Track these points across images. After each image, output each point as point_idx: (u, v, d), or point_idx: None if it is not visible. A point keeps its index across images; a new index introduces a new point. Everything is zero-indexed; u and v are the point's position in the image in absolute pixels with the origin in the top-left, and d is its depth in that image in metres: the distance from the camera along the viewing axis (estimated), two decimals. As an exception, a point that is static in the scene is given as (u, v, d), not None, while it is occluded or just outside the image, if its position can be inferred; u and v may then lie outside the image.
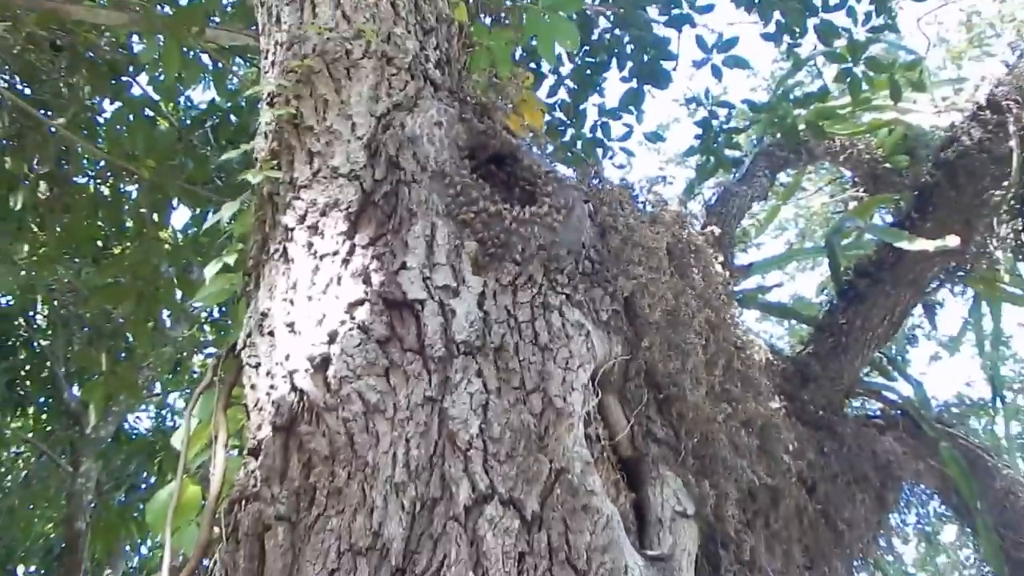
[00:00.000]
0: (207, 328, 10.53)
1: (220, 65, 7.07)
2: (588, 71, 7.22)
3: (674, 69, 7.01)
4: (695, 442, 2.81)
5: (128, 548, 10.91)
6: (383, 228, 2.49)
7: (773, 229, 12.68)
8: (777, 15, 6.64)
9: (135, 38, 7.29)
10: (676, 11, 6.87)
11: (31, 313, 9.48)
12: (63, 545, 10.00)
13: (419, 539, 1.89)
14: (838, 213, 8.22)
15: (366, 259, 2.39)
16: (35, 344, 9.68)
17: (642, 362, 2.76)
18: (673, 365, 2.84)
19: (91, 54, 6.71)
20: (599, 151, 7.32)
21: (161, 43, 5.65)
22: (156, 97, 7.48)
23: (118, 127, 6.82)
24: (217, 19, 6.82)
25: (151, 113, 7.30)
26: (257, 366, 2.41)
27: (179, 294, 7.18)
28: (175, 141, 7.05)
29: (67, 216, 7.11)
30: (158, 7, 5.96)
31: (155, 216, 6.96)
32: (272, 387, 2.28)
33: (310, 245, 2.49)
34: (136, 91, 7.24)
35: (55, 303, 8.74)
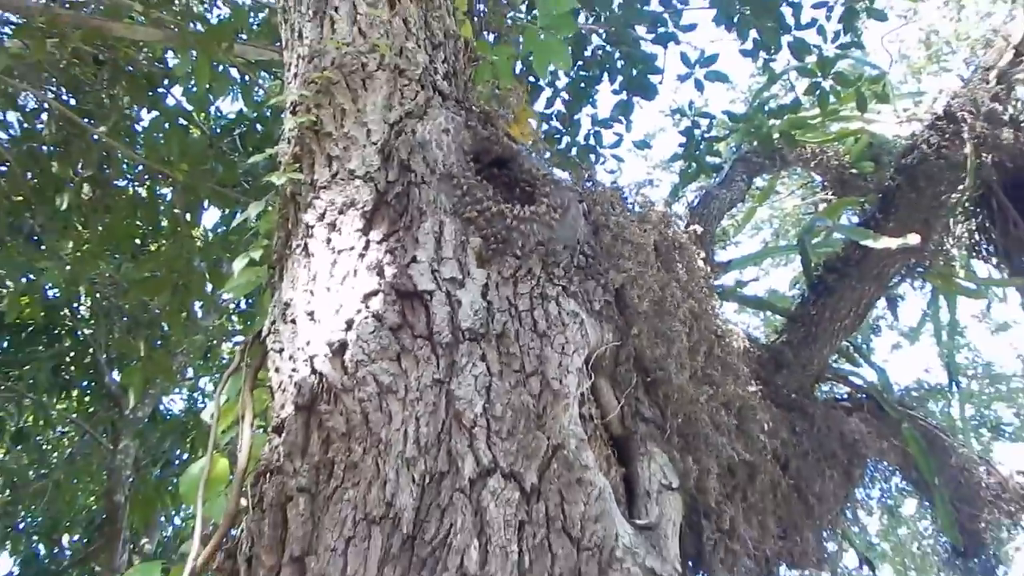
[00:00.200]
0: (235, 318, 10.52)
1: (247, 78, 7.06)
2: (582, 84, 7.20)
3: (660, 83, 6.99)
4: (679, 421, 2.81)
5: (163, 519, 10.90)
6: (395, 225, 2.47)
7: (750, 228, 12.68)
8: (754, 33, 6.62)
9: (170, 53, 7.26)
10: (662, 29, 6.85)
11: (75, 304, 9.46)
12: (104, 516, 9.99)
13: (428, 509, 1.88)
14: (809, 214, 8.22)
15: (380, 254, 2.37)
16: (79, 332, 9.67)
17: (631, 348, 2.75)
18: (659, 351, 2.83)
19: (130, 68, 6.70)
20: (592, 157, 7.32)
21: (193, 58, 5.63)
22: (189, 107, 7.47)
23: (155, 134, 6.80)
24: (244, 36, 6.81)
25: (184, 122, 7.28)
26: (280, 351, 2.40)
27: (210, 287, 7.17)
28: (206, 147, 7.04)
29: (108, 216, 7.10)
30: (191, 25, 5.93)
31: (188, 216, 6.95)
32: (294, 370, 2.27)
33: (329, 241, 2.48)
34: (171, 101, 7.26)
35: (97, 295, 8.71)
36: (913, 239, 4.04)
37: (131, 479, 9.85)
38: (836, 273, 4.48)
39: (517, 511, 1.89)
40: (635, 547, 1.98)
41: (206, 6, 7.87)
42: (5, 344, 9.48)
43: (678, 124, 7.73)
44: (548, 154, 6.62)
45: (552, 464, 2.02)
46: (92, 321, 9.39)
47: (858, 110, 5.92)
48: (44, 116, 6.83)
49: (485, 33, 4.43)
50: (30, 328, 9.36)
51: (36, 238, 7.67)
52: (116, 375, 9.96)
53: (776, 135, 6.22)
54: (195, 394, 11.73)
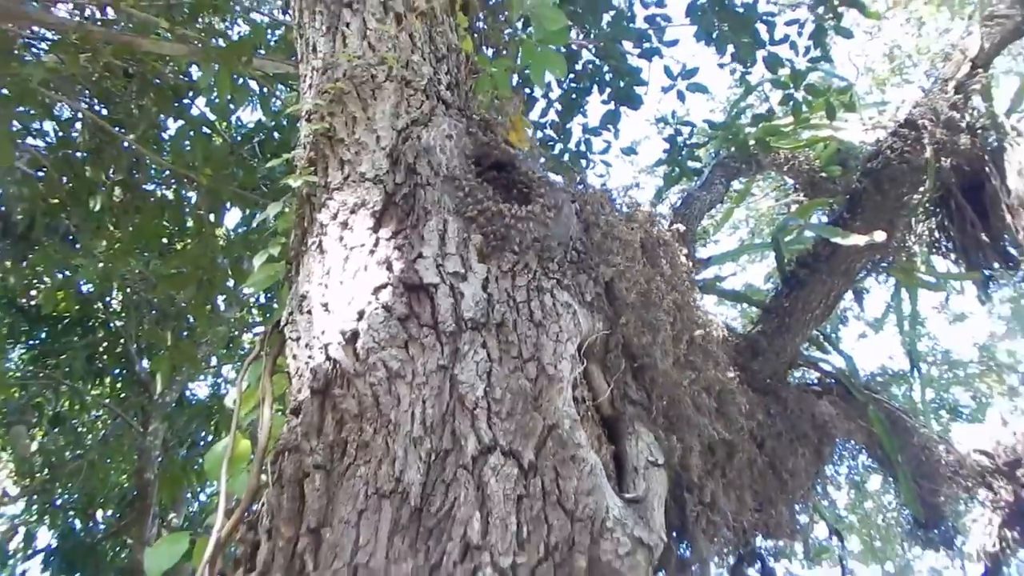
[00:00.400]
0: (255, 311, 10.50)
1: (265, 90, 7.05)
2: (573, 95, 7.19)
3: (645, 94, 6.99)
4: (664, 403, 2.80)
5: (189, 495, 10.89)
6: (403, 224, 2.47)
7: (728, 228, 12.67)
8: (731, 48, 6.61)
9: (194, 67, 7.24)
10: (647, 45, 6.83)
11: (108, 298, 9.45)
12: (135, 493, 10.00)
13: (434, 484, 1.88)
14: (782, 214, 8.22)
15: (389, 250, 2.37)
16: (111, 324, 9.66)
17: (620, 336, 2.75)
18: (646, 339, 2.83)
19: (157, 80, 6.68)
20: (583, 162, 7.31)
21: (216, 71, 5.62)
22: (212, 116, 7.45)
23: (180, 142, 6.79)
24: (263, 51, 6.79)
25: (207, 130, 7.26)
26: (298, 339, 2.39)
27: (232, 282, 7.17)
28: (228, 153, 7.04)
29: (138, 216, 7.08)
30: (213, 41, 5.91)
31: (211, 216, 6.94)
32: (310, 357, 2.26)
33: (342, 238, 2.47)
34: (195, 111, 7.24)
35: (128, 290, 8.69)
36: (879, 236, 4.04)
37: (160, 459, 9.86)
38: (807, 268, 4.48)
39: (516, 486, 1.89)
40: (624, 518, 1.98)
41: (227, 23, 7.84)
42: (43, 335, 9.47)
43: (662, 132, 7.69)
44: (543, 159, 6.61)
45: (548, 442, 2.01)
46: (123, 313, 9.38)
47: (827, 119, 5.92)
48: (78, 125, 6.81)
49: (484, 48, 4.41)
50: (66, 320, 9.36)
51: (71, 237, 7.66)
52: (146, 363, 9.96)
53: (752, 142, 6.21)
54: (218, 380, 11.73)
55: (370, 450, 1.97)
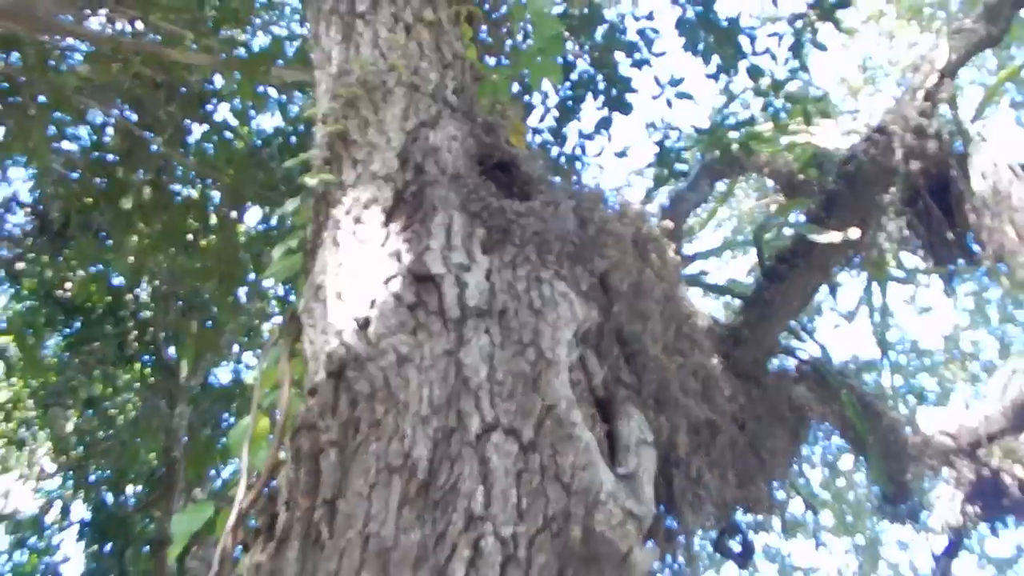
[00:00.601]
0: (274, 303, 10.49)
1: (284, 97, 7.03)
2: (569, 102, 7.17)
3: (636, 101, 6.98)
4: (654, 386, 2.80)
5: (213, 472, 10.91)
6: (412, 219, 2.46)
7: (713, 225, 12.63)
8: (716, 59, 6.59)
9: (217, 76, 7.22)
10: (638, 55, 6.83)
11: (137, 290, 9.45)
12: (163, 470, 10.01)
13: (440, 460, 1.87)
14: (763, 213, 8.20)
15: (398, 243, 2.36)
16: (141, 314, 9.66)
17: (613, 324, 2.74)
18: (637, 327, 2.82)
19: (183, 88, 6.66)
20: (578, 164, 7.30)
21: (237, 79, 5.60)
22: (234, 122, 7.44)
23: (204, 145, 6.79)
24: (281, 61, 6.77)
25: (230, 134, 7.25)
26: (314, 326, 2.39)
27: (252, 275, 7.16)
28: (249, 156, 7.02)
29: (165, 215, 7.07)
30: (235, 51, 5.89)
31: (234, 214, 6.94)
32: (326, 342, 2.26)
33: (355, 233, 2.46)
34: (218, 117, 7.22)
35: (156, 282, 8.70)
36: (853, 234, 4.03)
37: (186, 438, 9.86)
38: (786, 263, 4.47)
39: (516, 461, 1.88)
40: (616, 492, 1.97)
41: (248, 35, 7.81)
42: (78, 324, 9.47)
43: (652, 136, 7.68)
44: (541, 162, 6.58)
45: (546, 422, 2.00)
46: (152, 304, 9.39)
47: (805, 125, 5.90)
48: (110, 129, 6.81)
49: (487, 56, 4.40)
50: (99, 311, 9.36)
51: (104, 234, 7.66)
52: (172, 351, 9.95)
53: (735, 146, 6.19)
54: (240, 366, 11.72)
55: (381, 428, 1.96)
